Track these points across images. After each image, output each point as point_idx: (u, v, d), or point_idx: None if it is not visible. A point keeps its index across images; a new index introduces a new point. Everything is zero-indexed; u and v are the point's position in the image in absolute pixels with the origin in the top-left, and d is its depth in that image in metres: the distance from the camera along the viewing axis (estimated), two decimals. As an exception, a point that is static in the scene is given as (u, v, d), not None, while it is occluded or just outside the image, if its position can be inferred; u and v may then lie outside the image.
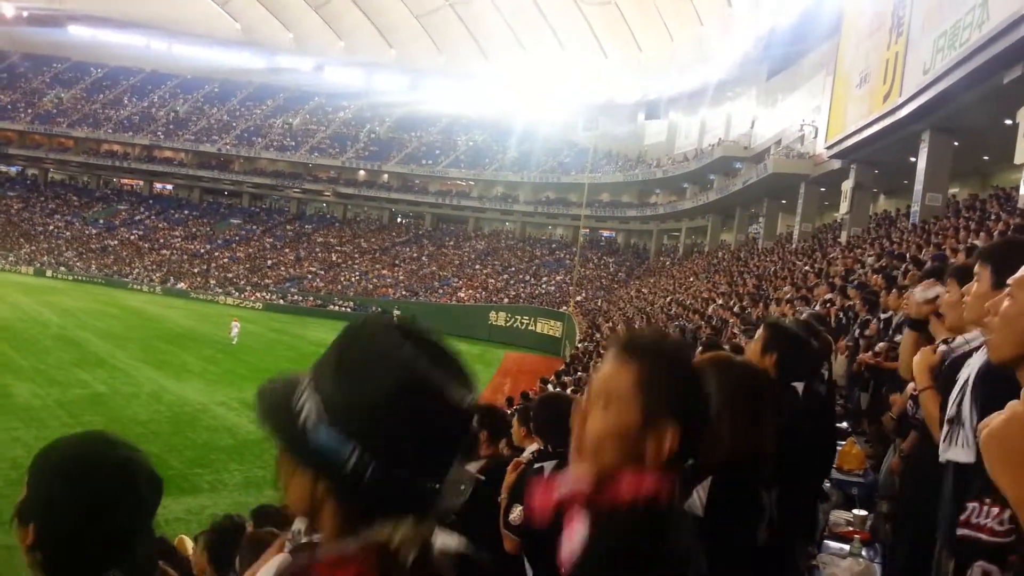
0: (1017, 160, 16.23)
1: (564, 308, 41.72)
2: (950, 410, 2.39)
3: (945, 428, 2.41)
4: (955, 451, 2.28)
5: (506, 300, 49.25)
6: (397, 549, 1.01)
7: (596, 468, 1.32)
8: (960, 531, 1.68)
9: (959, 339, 2.88)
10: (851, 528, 4.12)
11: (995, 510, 1.34)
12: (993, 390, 1.97)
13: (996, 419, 1.22)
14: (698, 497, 1.98)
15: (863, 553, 3.71)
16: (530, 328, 42.36)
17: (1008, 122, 17.09)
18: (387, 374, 1.02)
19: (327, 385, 1.04)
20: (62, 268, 54.89)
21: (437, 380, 1.03)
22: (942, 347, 2.98)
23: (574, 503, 1.31)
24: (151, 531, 1.35)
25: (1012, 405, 1.23)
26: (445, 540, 1.08)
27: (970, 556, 1.64)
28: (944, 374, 2.82)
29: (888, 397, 5.98)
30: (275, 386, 1.09)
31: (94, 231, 61.43)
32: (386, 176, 65.01)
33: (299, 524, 2.09)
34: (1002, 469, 1.20)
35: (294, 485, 1.06)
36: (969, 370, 2.33)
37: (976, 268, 2.44)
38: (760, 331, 3.32)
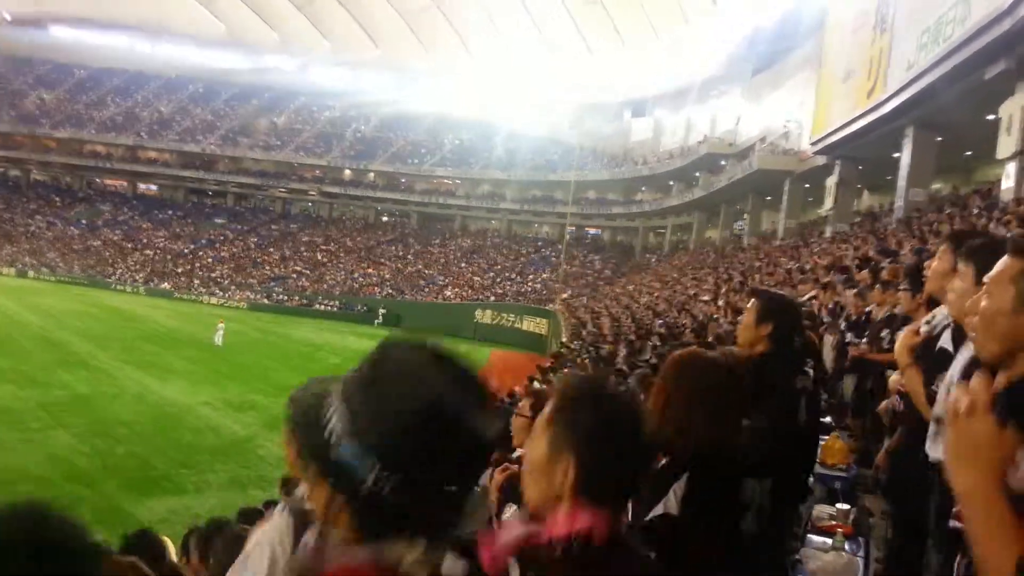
0: (999, 155, 16.35)
1: (550, 306, 41.70)
2: (936, 408, 2.37)
3: (932, 427, 2.39)
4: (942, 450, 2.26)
5: (492, 298, 49.22)
6: (406, 571, 1.04)
7: (527, 501, 1.45)
8: (952, 523, 1.66)
9: (939, 315, 2.87)
10: (834, 522, 4.10)
11: None
12: None
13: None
14: (674, 494, 1.97)
15: (846, 547, 3.69)
16: (516, 326, 42.33)
17: (990, 117, 17.19)
18: (414, 395, 1.04)
19: (355, 401, 1.06)
20: (44, 269, 54.42)
21: (462, 407, 1.06)
22: (924, 328, 2.97)
23: (506, 554, 1.37)
24: None
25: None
26: (451, 565, 1.10)
27: (955, 548, 1.61)
28: (923, 347, 2.81)
29: (872, 391, 5.99)
30: (306, 394, 1.12)
31: (76, 231, 60.93)
32: (372, 175, 64.83)
33: (303, 490, 2.02)
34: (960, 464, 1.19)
35: (315, 492, 1.11)
36: (954, 369, 2.31)
37: (960, 266, 2.42)
38: (752, 302, 3.22)
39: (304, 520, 1.89)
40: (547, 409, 1.45)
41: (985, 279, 1.65)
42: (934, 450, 2.33)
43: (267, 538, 1.89)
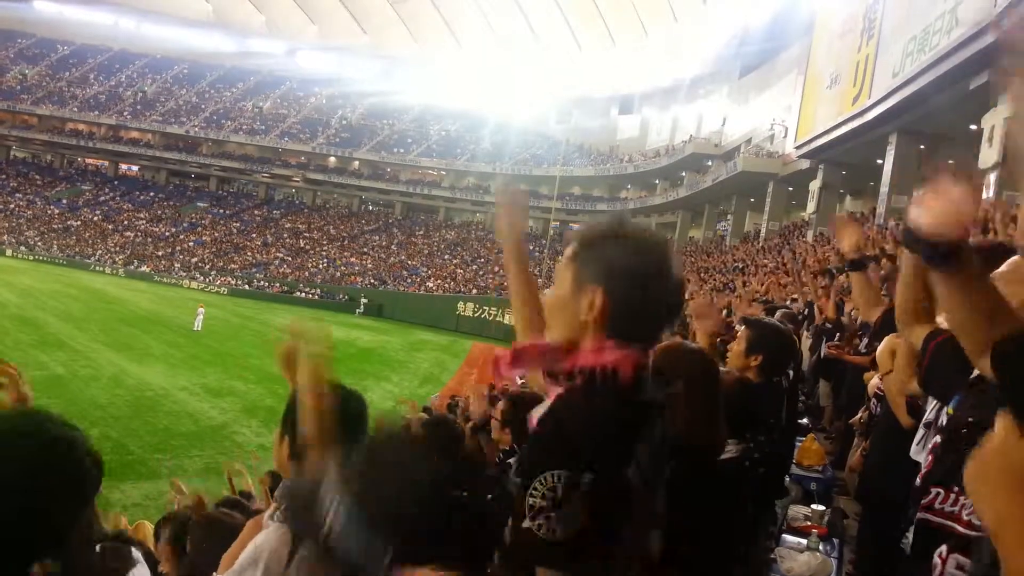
0: (981, 165, 16.51)
1: (532, 300, 41.66)
2: (929, 414, 2.41)
3: (921, 431, 2.43)
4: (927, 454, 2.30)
5: (475, 291, 49.18)
6: None
7: (553, 340, 1.42)
8: (921, 515, 1.68)
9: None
10: (809, 523, 4.15)
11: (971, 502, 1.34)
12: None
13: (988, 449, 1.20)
14: None
15: (820, 547, 3.74)
16: (498, 319, 42.30)
17: (973, 127, 17.37)
18: (415, 488, 1.11)
19: (359, 495, 1.11)
20: (22, 247, 53.77)
21: (458, 489, 1.16)
22: None
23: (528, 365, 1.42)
24: (90, 517, 1.27)
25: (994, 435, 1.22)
26: None
27: (932, 542, 1.64)
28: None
29: (847, 394, 6.07)
30: (300, 487, 1.21)
31: (57, 211, 60.24)
32: (357, 163, 64.54)
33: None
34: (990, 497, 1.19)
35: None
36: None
37: None
38: (743, 331, 3.15)
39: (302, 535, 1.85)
40: (569, 248, 1.43)
41: (994, 274, 1.69)
42: (918, 453, 2.37)
43: (263, 550, 1.85)
